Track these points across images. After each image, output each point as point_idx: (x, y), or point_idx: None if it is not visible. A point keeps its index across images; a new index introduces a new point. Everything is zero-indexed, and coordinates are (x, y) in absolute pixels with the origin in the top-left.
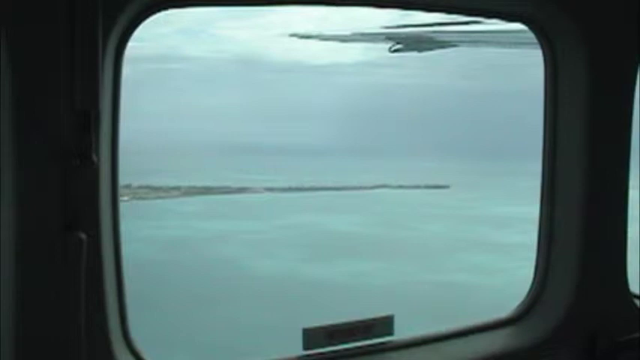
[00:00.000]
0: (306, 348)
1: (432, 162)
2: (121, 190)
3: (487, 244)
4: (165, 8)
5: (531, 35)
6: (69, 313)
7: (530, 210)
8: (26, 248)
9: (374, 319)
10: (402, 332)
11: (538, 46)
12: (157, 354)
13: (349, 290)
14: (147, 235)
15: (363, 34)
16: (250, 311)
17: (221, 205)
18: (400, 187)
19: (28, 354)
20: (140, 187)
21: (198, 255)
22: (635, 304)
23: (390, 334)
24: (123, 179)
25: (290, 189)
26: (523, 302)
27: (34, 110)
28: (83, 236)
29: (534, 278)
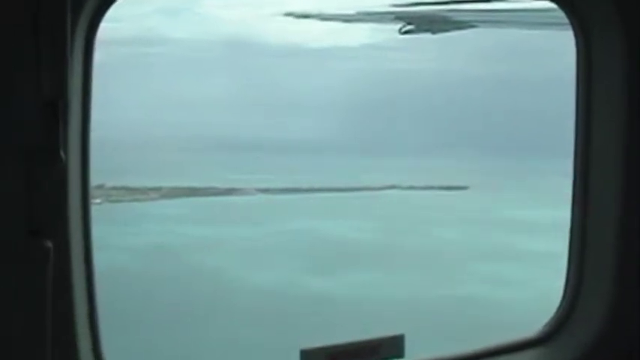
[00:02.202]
0: None
1: (447, 159)
2: (92, 192)
3: (511, 252)
4: None
5: (561, 14)
6: (34, 329)
7: (560, 214)
8: None
9: (382, 339)
10: (413, 354)
11: (569, 27)
12: None
13: (354, 305)
14: (122, 242)
15: (369, 14)
16: (241, 330)
17: (207, 208)
18: (411, 188)
19: None
20: (114, 188)
21: (181, 265)
22: None
23: (400, 355)
24: (95, 179)
25: (286, 190)
26: (552, 319)
27: None
28: (49, 244)
29: (565, 291)
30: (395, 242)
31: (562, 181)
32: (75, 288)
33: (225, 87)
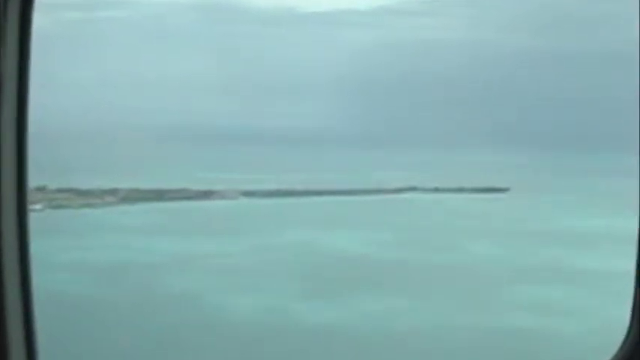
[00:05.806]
0: None
1: (481, 153)
2: (31, 195)
3: (562, 271)
4: None
5: None
6: None
7: (623, 224)
8: None
9: None
10: None
11: None
12: None
13: (365, 339)
14: (69, 259)
15: None
16: None
17: (177, 216)
18: (437, 190)
19: None
20: (60, 191)
21: (143, 289)
22: None
23: None
24: (34, 179)
25: (277, 193)
26: (617, 355)
27: None
28: None
29: (631, 321)
30: (417, 259)
31: (625, 182)
32: (9, 317)
33: (199, 63)
